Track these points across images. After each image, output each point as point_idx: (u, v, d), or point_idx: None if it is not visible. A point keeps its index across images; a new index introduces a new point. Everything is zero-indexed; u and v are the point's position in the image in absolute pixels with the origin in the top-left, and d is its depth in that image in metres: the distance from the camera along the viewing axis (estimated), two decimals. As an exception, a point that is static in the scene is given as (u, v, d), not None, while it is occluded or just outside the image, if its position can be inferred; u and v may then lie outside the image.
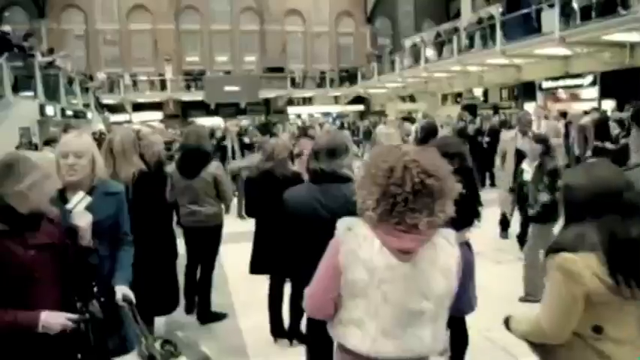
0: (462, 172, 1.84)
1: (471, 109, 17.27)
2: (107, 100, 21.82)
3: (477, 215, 2.64)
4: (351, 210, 1.53)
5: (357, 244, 1.41)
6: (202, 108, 25.28)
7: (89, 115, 16.12)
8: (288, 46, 29.23)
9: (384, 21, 31.11)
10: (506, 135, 6.90)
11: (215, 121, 22.98)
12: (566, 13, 12.58)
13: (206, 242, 3.88)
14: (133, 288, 2.07)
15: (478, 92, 19.23)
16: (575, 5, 12.46)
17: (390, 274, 1.39)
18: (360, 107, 27.78)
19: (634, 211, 1.51)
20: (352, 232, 1.44)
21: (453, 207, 1.40)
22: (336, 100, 28.18)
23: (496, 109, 17.53)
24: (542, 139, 4.49)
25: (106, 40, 26.95)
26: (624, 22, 10.74)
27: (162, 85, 25.53)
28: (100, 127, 14.11)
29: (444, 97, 22.47)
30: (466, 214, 2.34)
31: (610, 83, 14.02)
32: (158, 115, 25.37)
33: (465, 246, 1.47)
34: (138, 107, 24.74)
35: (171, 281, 3.22)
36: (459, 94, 21.02)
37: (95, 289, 1.90)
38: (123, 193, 2.27)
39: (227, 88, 24.51)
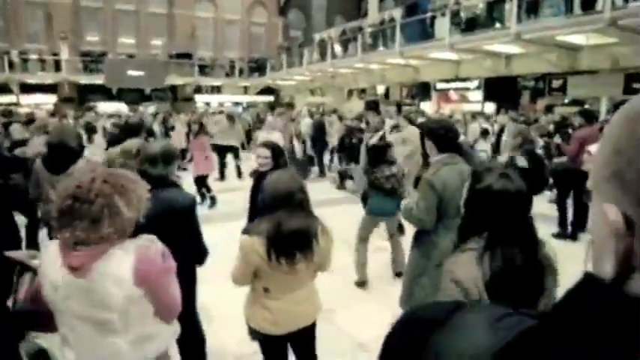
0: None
1: (373, 105, 18.08)
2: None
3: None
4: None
5: (45, 263, 1.57)
6: (102, 92, 23.74)
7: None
8: (198, 31, 28.33)
9: (297, 13, 31.31)
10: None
11: (117, 107, 21.89)
12: (456, 22, 13.70)
13: None
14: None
15: (381, 89, 20.20)
16: (462, 16, 13.61)
17: (69, 289, 1.50)
18: (270, 98, 27.82)
19: (300, 207, 2.17)
20: (45, 252, 1.61)
21: (123, 222, 1.51)
22: (246, 90, 27.93)
23: (399, 106, 18.59)
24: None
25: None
26: (500, 36, 11.96)
27: (57, 66, 23.49)
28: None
29: (350, 92, 23.29)
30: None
31: (492, 88, 15.55)
32: (52, 98, 23.45)
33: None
34: (27, 89, 22.61)
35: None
36: (364, 90, 21.93)
37: None
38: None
39: (130, 73, 23.22)
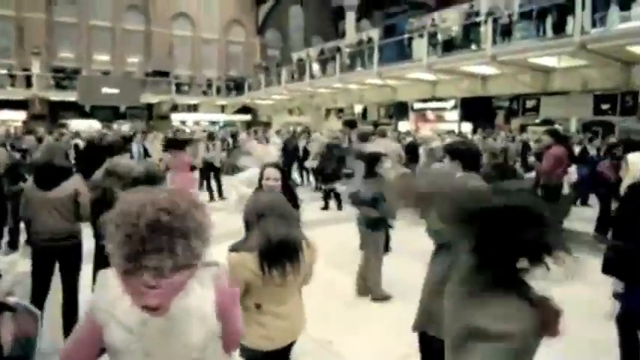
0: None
1: (352, 124, 18.25)
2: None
3: None
4: None
5: (110, 304, 1.33)
6: (75, 109, 23.21)
7: None
8: (175, 50, 28.19)
9: (275, 33, 31.56)
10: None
11: (90, 124, 21.39)
12: (433, 44, 14.02)
13: (65, 262, 3.62)
14: None
15: (358, 109, 20.39)
16: (439, 37, 13.96)
17: (145, 329, 1.32)
18: (247, 117, 27.73)
19: (283, 218, 2.12)
20: (105, 290, 1.35)
21: (203, 245, 1.30)
22: (223, 108, 27.79)
23: (376, 125, 18.79)
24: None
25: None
26: (476, 57, 12.28)
27: (28, 82, 22.89)
28: None
29: (328, 112, 23.44)
30: None
31: (468, 108, 15.90)
32: (21, 114, 22.76)
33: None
34: (-4, 104, 21.92)
35: None
36: (341, 110, 22.10)
37: None
38: None
39: (105, 90, 22.88)
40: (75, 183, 3.59)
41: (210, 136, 10.58)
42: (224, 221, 2.82)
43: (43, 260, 3.60)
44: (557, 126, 13.29)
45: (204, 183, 9.97)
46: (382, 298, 4.51)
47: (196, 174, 9.03)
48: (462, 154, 2.90)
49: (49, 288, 3.65)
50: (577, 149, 8.72)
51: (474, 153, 2.95)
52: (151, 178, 2.36)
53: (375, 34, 18.35)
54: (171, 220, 1.23)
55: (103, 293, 1.34)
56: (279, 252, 2.05)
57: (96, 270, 3.38)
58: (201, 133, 11.95)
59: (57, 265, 3.63)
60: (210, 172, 9.93)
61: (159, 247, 1.20)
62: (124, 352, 1.33)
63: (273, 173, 3.03)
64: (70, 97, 22.64)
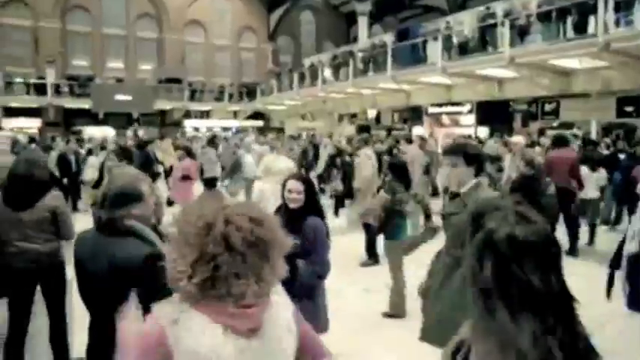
0: None
1: (365, 129, 18.04)
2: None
3: None
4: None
5: (194, 341, 1.09)
6: (89, 116, 23.37)
7: None
8: (188, 57, 28.32)
9: (287, 39, 31.58)
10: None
11: (104, 132, 21.48)
12: (448, 47, 13.76)
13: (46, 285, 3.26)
14: None
15: (372, 114, 20.16)
16: (454, 40, 13.69)
17: (242, 356, 1.13)
18: (260, 123, 27.69)
19: None
20: (181, 326, 1.10)
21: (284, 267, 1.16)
22: (235, 114, 27.78)
23: (389, 130, 18.54)
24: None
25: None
26: (493, 60, 11.99)
27: (43, 90, 23.11)
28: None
29: (341, 117, 23.25)
30: None
31: (484, 112, 15.57)
32: (36, 122, 23.00)
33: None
34: (11, 112, 22.14)
35: None
36: (354, 115, 21.89)
37: None
38: None
39: (118, 97, 23.01)
40: (54, 200, 3.17)
41: (211, 142, 9.59)
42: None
43: (19, 286, 3.20)
44: (575, 130, 12.96)
45: None
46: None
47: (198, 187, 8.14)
48: (478, 159, 2.60)
49: (28, 316, 3.29)
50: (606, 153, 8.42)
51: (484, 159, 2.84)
52: (117, 198, 1.98)
53: (388, 38, 18.13)
54: (266, 234, 1.09)
55: (182, 331, 1.10)
56: None
57: None
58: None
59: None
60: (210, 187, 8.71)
61: (247, 272, 1.07)
62: None
63: (296, 186, 2.77)
64: (84, 104, 22.82)
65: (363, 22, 23.51)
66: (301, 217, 2.64)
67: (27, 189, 3.07)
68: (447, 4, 22.72)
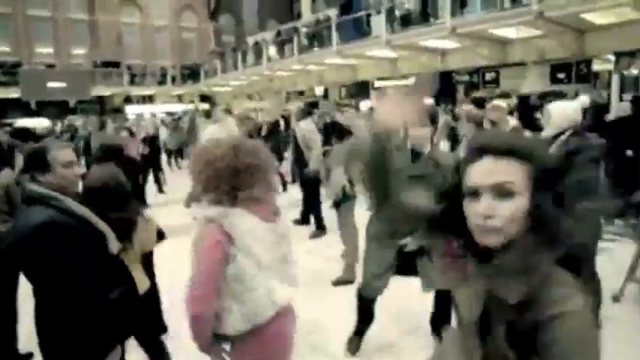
0: None
1: (313, 106, 17.92)
2: None
3: None
4: None
5: (244, 223, 1.68)
6: (20, 107, 21.79)
7: None
8: (125, 39, 26.91)
9: (229, 18, 30.64)
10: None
11: (38, 122, 20.12)
12: (392, 19, 13.81)
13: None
14: None
15: (319, 90, 20.07)
16: (397, 13, 13.76)
17: (270, 233, 1.76)
18: (206, 106, 26.91)
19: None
20: (231, 216, 1.67)
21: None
22: (180, 98, 26.85)
23: (337, 105, 18.51)
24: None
25: None
26: (435, 31, 12.17)
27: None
28: None
29: (288, 96, 23.00)
30: None
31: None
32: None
33: None
34: None
35: None
36: (302, 92, 21.71)
37: None
38: None
39: (51, 85, 21.57)
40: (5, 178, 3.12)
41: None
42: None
43: None
44: (515, 98, 13.49)
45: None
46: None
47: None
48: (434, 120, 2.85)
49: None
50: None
51: None
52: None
53: (332, 13, 17.96)
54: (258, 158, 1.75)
55: (244, 226, 1.68)
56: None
57: None
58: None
59: None
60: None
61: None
62: (256, 265, 1.69)
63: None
64: (13, 93, 21.21)
65: (306, -2, 23.21)
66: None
67: None
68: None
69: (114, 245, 1.96)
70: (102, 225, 1.92)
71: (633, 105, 5.89)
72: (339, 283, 4.42)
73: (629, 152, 5.09)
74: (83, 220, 1.84)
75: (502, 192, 0.96)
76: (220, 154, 1.66)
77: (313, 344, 3.35)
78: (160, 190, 9.57)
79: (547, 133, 3.18)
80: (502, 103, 5.71)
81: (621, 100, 9.64)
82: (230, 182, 1.65)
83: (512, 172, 0.96)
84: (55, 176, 1.87)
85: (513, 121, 5.43)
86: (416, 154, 2.69)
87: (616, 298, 3.76)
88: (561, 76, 12.91)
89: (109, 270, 1.95)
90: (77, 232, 1.78)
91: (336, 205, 4.71)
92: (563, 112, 3.15)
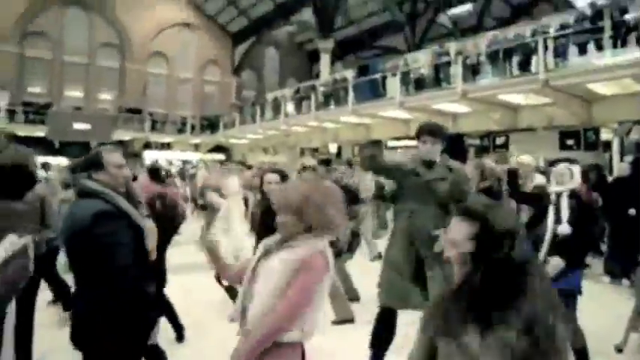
0: None
1: (326, 162, 18.32)
2: None
3: None
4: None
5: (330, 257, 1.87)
6: (44, 145, 22.57)
7: None
8: (150, 88, 28.22)
9: (250, 74, 32.11)
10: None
11: (58, 161, 20.75)
12: (406, 82, 14.48)
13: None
14: None
15: (333, 148, 20.60)
16: (411, 76, 14.45)
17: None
18: (221, 156, 27.63)
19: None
20: (326, 250, 1.86)
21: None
22: (197, 147, 27.64)
23: (350, 163, 18.88)
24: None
25: None
26: (446, 95, 12.72)
27: (-7, 116, 22.26)
28: None
29: (302, 151, 23.57)
30: None
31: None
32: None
33: None
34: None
35: None
36: (316, 149, 22.27)
37: None
38: None
39: (76, 126, 22.48)
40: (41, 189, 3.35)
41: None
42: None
43: None
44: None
45: None
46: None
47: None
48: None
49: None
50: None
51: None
52: None
53: (349, 74, 18.84)
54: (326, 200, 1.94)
55: (327, 252, 1.90)
56: None
57: None
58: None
59: None
60: None
61: None
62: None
63: (274, 177, 3.35)
64: (39, 132, 22.12)
65: (325, 60, 24.34)
66: None
67: (17, 180, 3.05)
68: (406, 44, 23.96)
69: (151, 241, 2.21)
70: (142, 221, 2.19)
71: (632, 166, 6.11)
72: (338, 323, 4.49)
73: (632, 211, 5.21)
74: (126, 215, 2.12)
75: None
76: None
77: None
78: None
79: (568, 187, 3.45)
80: (528, 158, 5.83)
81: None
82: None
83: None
84: (108, 175, 2.20)
85: (540, 179, 5.52)
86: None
87: (619, 349, 3.81)
88: (570, 142, 13.21)
89: (145, 263, 2.18)
90: (123, 224, 2.07)
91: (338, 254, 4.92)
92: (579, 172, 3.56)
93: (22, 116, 23.10)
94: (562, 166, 3.50)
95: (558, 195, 3.39)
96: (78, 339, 2.08)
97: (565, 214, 3.27)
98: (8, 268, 1.79)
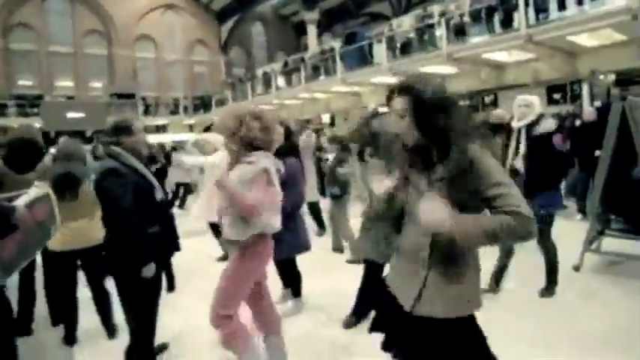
0: None
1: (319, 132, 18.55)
2: None
3: None
4: None
5: (266, 162, 2.59)
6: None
7: None
8: (140, 72, 28.15)
9: (239, 51, 31.93)
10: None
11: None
12: (392, 47, 14.57)
13: None
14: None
15: (326, 118, 20.78)
16: (397, 41, 14.53)
17: (275, 166, 2.71)
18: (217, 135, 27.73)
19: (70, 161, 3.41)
20: (259, 157, 2.54)
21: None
22: (191, 127, 27.77)
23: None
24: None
25: None
26: (433, 57, 12.86)
27: (-13, 111, 22.34)
28: None
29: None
30: None
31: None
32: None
33: None
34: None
35: None
36: (309, 120, 22.41)
37: None
38: None
39: (70, 115, 22.59)
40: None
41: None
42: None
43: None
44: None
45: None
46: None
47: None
48: None
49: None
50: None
51: None
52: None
53: (336, 43, 18.85)
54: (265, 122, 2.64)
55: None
56: (59, 184, 3.07)
57: None
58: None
59: None
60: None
61: None
62: None
63: (278, 129, 3.53)
64: (34, 124, 22.18)
65: (312, 31, 24.24)
66: (282, 156, 3.18)
67: (27, 153, 3.46)
68: (392, 9, 23.82)
69: (159, 194, 2.72)
70: (151, 178, 2.69)
71: (598, 111, 6.48)
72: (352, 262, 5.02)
73: (598, 152, 5.54)
74: (140, 173, 2.62)
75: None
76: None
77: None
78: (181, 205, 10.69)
79: (530, 119, 3.74)
80: (500, 112, 6.13)
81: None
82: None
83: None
84: (135, 139, 2.67)
85: (499, 111, 5.85)
86: None
87: (576, 268, 4.38)
88: (557, 97, 13.44)
89: (154, 211, 2.66)
90: (133, 180, 2.55)
91: (335, 197, 5.35)
92: (539, 102, 3.83)
93: (15, 110, 23.13)
94: (520, 98, 3.78)
95: (519, 130, 3.70)
96: (107, 268, 2.64)
97: (522, 148, 3.61)
98: (36, 205, 2.31)
